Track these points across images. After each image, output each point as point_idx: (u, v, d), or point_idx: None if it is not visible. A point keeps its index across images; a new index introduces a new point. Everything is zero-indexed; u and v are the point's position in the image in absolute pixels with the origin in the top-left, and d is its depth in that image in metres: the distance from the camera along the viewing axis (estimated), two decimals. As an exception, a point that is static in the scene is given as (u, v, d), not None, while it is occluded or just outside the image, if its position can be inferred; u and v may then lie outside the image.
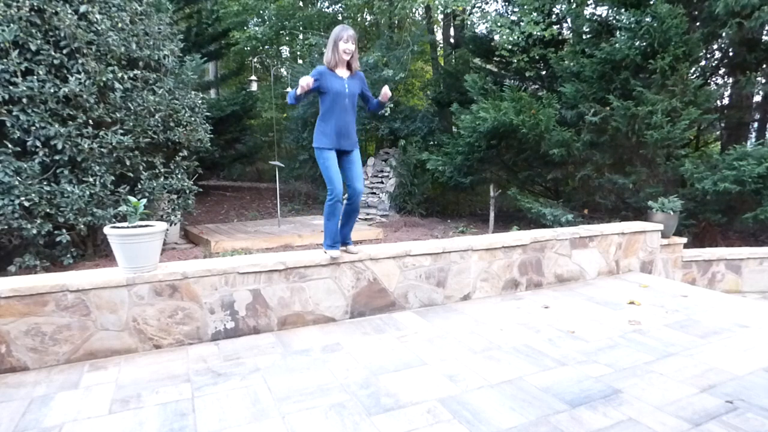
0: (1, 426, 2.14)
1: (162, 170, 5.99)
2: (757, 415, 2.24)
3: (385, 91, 3.48)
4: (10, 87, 4.65)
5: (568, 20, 9.53)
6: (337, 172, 3.36)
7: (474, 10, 11.44)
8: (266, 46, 16.63)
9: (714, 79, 8.82)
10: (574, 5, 8.89)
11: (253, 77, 9.84)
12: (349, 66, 3.42)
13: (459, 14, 10.83)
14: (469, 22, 11.66)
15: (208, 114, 7.20)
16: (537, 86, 10.27)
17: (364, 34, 15.86)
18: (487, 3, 12.20)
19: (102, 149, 5.20)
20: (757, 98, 9.12)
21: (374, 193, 11.01)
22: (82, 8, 5.10)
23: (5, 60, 4.63)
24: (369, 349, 3.02)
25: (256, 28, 15.37)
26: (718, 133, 9.79)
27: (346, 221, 3.56)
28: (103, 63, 5.24)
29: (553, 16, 9.52)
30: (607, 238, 4.81)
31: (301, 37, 16.21)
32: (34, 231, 4.76)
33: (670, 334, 3.30)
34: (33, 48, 4.75)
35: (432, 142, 10.74)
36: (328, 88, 3.30)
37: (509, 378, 2.63)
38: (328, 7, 15.99)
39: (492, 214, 8.50)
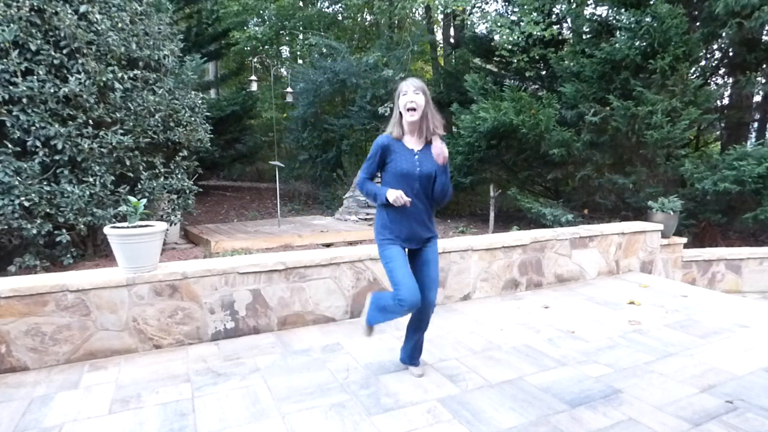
0: (1, 426, 2.14)
1: (162, 170, 5.99)
2: (757, 415, 2.24)
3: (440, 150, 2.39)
4: (10, 87, 4.64)
5: (568, 20, 9.53)
6: (407, 275, 2.36)
7: (474, 10, 11.45)
8: (266, 46, 16.65)
9: (714, 79, 8.82)
10: (574, 5, 8.89)
11: (253, 77, 9.83)
12: (421, 133, 2.43)
13: (459, 14, 10.86)
14: (469, 22, 11.67)
15: (208, 114, 7.19)
16: (537, 86, 10.27)
17: (365, 34, 15.87)
18: (487, 3, 12.21)
19: (102, 149, 5.20)
20: (757, 98, 9.12)
21: (374, 193, 10.98)
22: (82, 8, 5.10)
23: (5, 60, 4.63)
24: (369, 349, 3.02)
25: (256, 28, 15.40)
26: (718, 133, 9.79)
27: (410, 335, 2.66)
28: (103, 63, 5.24)
29: (553, 16, 9.52)
30: (607, 238, 4.81)
31: (301, 37, 16.23)
32: (34, 231, 4.76)
33: (670, 334, 3.30)
34: (33, 48, 4.75)
35: (432, 142, 10.71)
36: (391, 165, 2.41)
37: (509, 378, 2.63)
38: (328, 7, 16.01)
39: (492, 214, 8.50)
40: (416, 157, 2.42)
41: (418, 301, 2.34)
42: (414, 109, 2.35)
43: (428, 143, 2.45)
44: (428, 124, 2.41)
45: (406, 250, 2.51)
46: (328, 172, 12.76)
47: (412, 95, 2.35)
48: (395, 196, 2.32)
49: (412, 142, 2.45)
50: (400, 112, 2.40)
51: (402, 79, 2.45)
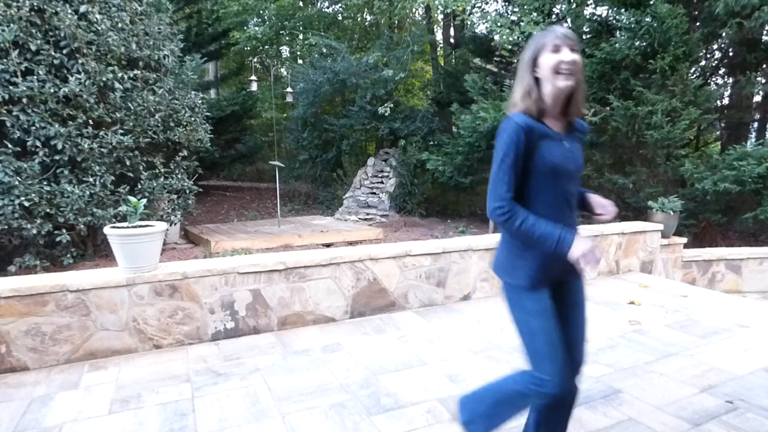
0: (1, 426, 2.14)
1: (162, 170, 5.99)
2: (757, 415, 2.24)
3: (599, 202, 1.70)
4: (10, 87, 4.65)
5: (568, 20, 9.53)
6: (558, 343, 1.56)
7: (474, 10, 11.44)
8: (266, 46, 16.65)
9: (714, 79, 8.82)
10: (574, 5, 8.90)
11: (253, 77, 9.84)
12: (565, 108, 1.60)
13: (459, 14, 10.86)
14: (469, 22, 11.67)
15: (208, 114, 7.20)
16: (537, 86, 10.26)
17: (365, 34, 15.88)
18: (487, 3, 12.21)
19: (102, 149, 5.20)
20: (757, 98, 9.12)
21: (374, 193, 11.01)
22: (82, 8, 5.10)
23: (5, 60, 4.63)
24: (369, 349, 3.02)
25: (256, 28, 15.41)
26: (718, 133, 9.80)
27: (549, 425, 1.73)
28: (103, 63, 5.24)
29: (553, 16, 9.53)
30: (607, 238, 4.81)
31: (301, 37, 16.23)
32: (34, 231, 4.76)
33: (670, 334, 3.30)
34: (33, 48, 4.75)
35: (432, 142, 10.76)
36: (538, 159, 1.53)
37: (509, 378, 2.62)
38: (328, 7, 16.01)
39: (492, 214, 8.49)
40: (565, 144, 1.59)
41: (563, 381, 1.54)
42: (571, 74, 1.51)
43: (570, 126, 1.65)
44: (580, 97, 1.60)
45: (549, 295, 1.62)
46: (328, 172, 12.77)
47: (568, 53, 1.51)
48: (585, 249, 1.44)
49: (554, 124, 1.60)
50: (536, 78, 1.56)
51: (545, 30, 1.59)
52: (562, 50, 1.52)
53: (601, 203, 1.69)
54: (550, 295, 1.60)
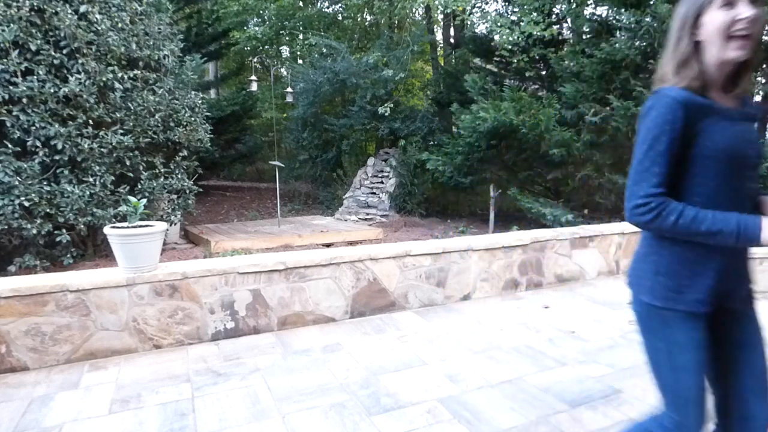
0: (1, 426, 2.14)
1: (162, 170, 5.99)
2: (757, 415, 2.24)
3: None
4: (10, 87, 4.65)
5: (568, 20, 9.53)
6: (703, 384, 1.32)
7: (474, 10, 11.44)
8: (266, 46, 16.65)
9: (714, 79, 8.81)
10: (574, 5, 8.90)
11: (253, 77, 9.83)
12: (735, 79, 1.26)
13: (459, 14, 10.86)
14: (469, 22, 11.67)
15: (208, 114, 7.20)
16: (537, 86, 10.27)
17: (365, 34, 15.88)
18: (487, 3, 12.21)
19: (102, 149, 5.20)
20: (757, 98, 9.12)
21: (374, 193, 11.02)
22: (82, 8, 5.10)
23: (5, 60, 4.63)
24: (369, 349, 3.02)
25: (256, 28, 15.41)
26: (718, 133, 9.79)
27: None
28: (103, 63, 5.24)
29: (553, 16, 9.53)
30: (607, 238, 4.81)
31: (301, 37, 16.24)
32: (34, 231, 4.76)
33: (670, 334, 3.30)
34: (33, 48, 4.75)
35: (432, 142, 10.76)
36: (703, 142, 1.18)
37: (509, 378, 2.63)
38: (328, 7, 16.00)
39: (492, 214, 8.50)
40: (743, 125, 1.23)
41: (699, 425, 1.33)
42: (749, 37, 1.15)
43: (741, 102, 1.28)
44: (752, 64, 1.25)
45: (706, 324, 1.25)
46: (328, 172, 12.78)
47: (746, 7, 1.14)
48: None
49: (722, 97, 1.24)
50: (697, 42, 1.22)
51: None
52: (738, 4, 1.14)
53: None
54: (707, 335, 1.24)
